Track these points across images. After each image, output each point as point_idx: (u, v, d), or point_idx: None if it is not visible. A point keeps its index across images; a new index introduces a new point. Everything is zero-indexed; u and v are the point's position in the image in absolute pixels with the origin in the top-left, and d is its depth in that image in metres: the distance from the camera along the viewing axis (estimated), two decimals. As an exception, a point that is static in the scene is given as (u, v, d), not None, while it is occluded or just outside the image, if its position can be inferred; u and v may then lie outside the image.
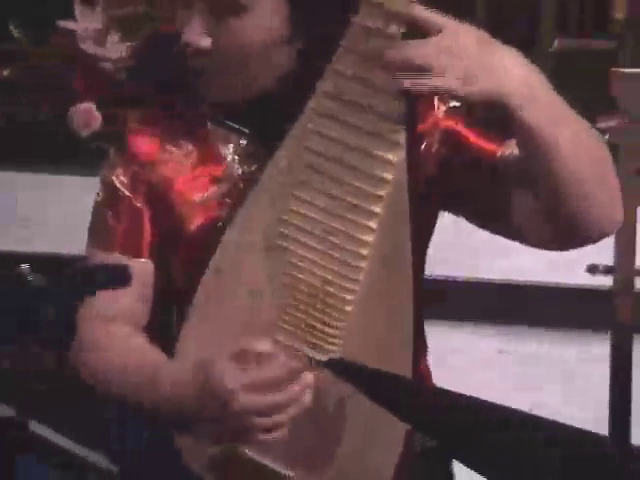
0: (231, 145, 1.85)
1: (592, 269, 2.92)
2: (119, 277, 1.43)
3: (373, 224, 1.70)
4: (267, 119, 1.81)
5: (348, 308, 1.73)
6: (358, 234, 1.71)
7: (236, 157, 1.86)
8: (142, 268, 1.84)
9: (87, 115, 3.12)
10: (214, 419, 1.69)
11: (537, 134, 1.61)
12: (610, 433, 2.66)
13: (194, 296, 1.77)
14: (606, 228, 1.72)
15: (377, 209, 1.69)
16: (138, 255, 1.85)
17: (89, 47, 3.16)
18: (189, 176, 1.86)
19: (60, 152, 3.22)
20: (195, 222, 1.84)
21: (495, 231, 1.84)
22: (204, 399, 1.66)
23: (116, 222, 1.87)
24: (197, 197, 1.85)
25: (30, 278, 1.37)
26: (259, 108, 1.79)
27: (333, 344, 1.73)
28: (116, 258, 1.84)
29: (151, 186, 1.86)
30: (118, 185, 1.86)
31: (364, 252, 1.71)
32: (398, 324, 1.77)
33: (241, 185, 1.83)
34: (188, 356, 1.75)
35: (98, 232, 1.88)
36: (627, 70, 2.86)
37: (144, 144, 1.87)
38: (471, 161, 1.76)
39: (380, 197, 1.69)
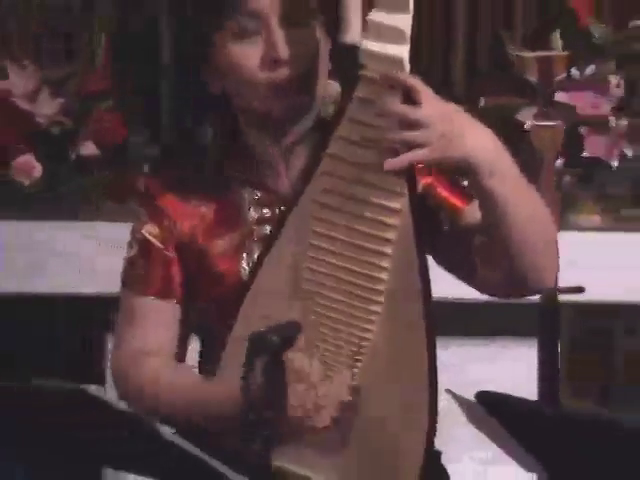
0: (246, 196, 1.93)
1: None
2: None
3: (385, 264, 1.78)
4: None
5: (367, 342, 1.81)
6: (374, 273, 1.79)
7: (251, 206, 1.94)
8: (174, 308, 1.96)
9: (25, 166, 3.24)
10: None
11: (498, 200, 1.72)
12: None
13: (234, 327, 1.86)
14: (540, 283, 1.83)
15: (388, 250, 1.78)
16: (171, 298, 1.95)
17: (23, 103, 3.20)
18: (210, 226, 1.95)
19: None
20: (219, 267, 1.93)
21: (458, 276, 1.93)
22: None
23: (150, 270, 1.96)
24: (218, 245, 1.94)
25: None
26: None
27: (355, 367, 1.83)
28: (151, 301, 1.94)
29: (178, 237, 1.96)
30: (149, 238, 1.96)
31: (380, 287, 1.79)
32: (413, 351, 1.83)
33: (255, 230, 1.93)
34: (229, 378, 1.81)
35: (133, 279, 1.97)
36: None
37: (168, 202, 1.96)
38: (439, 212, 1.88)
39: (389, 240, 1.77)
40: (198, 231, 1.96)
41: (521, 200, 1.75)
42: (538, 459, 1.75)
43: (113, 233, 3.10)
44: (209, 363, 1.94)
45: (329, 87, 1.90)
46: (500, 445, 1.85)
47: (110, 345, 3.34)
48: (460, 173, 1.79)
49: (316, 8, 1.88)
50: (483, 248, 1.84)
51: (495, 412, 1.70)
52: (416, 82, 1.67)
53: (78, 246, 3.26)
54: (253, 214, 1.94)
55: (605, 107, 3.32)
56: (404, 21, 1.68)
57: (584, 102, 3.29)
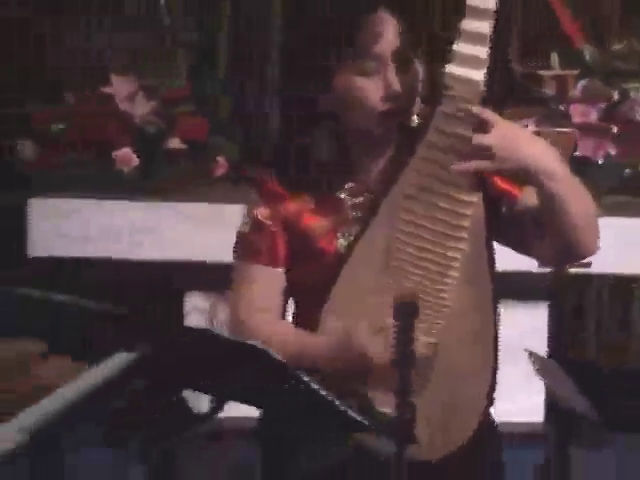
0: (342, 186, 2.08)
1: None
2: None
3: (462, 245, 1.94)
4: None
5: (445, 308, 1.95)
6: (451, 253, 1.94)
7: (346, 195, 2.08)
8: (279, 275, 2.10)
9: (125, 157, 3.56)
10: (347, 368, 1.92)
11: (556, 197, 1.88)
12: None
13: (332, 292, 2.00)
14: (587, 254, 1.98)
15: (464, 235, 1.93)
16: (277, 266, 2.10)
17: (123, 105, 3.55)
18: (312, 210, 2.09)
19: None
20: (319, 244, 2.08)
21: (519, 251, 2.07)
22: (343, 357, 1.92)
23: (260, 244, 2.10)
24: (319, 226, 2.08)
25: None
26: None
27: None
28: (261, 268, 2.09)
29: (285, 218, 2.10)
30: (260, 218, 2.10)
31: (455, 265, 1.94)
32: (481, 315, 1.98)
33: (349, 214, 2.06)
34: (330, 331, 1.98)
35: (246, 251, 2.11)
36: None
37: (277, 189, 2.10)
38: (499, 200, 2.01)
39: (464, 227, 1.92)
40: (302, 214, 2.09)
41: (572, 192, 1.91)
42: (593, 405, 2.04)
43: (194, 211, 3.54)
44: (301, 323, 2.08)
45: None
46: (564, 395, 2.11)
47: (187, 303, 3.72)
48: (523, 179, 1.94)
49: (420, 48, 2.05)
50: (539, 229, 1.98)
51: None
52: (487, 114, 1.87)
53: (166, 222, 3.53)
54: (348, 201, 2.09)
55: (593, 115, 3.60)
56: (482, 51, 1.86)
57: (577, 111, 3.55)
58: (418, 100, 2.07)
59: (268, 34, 3.92)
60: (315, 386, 1.59)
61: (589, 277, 3.71)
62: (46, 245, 3.50)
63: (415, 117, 2.07)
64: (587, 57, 3.76)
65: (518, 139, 1.90)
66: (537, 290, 3.47)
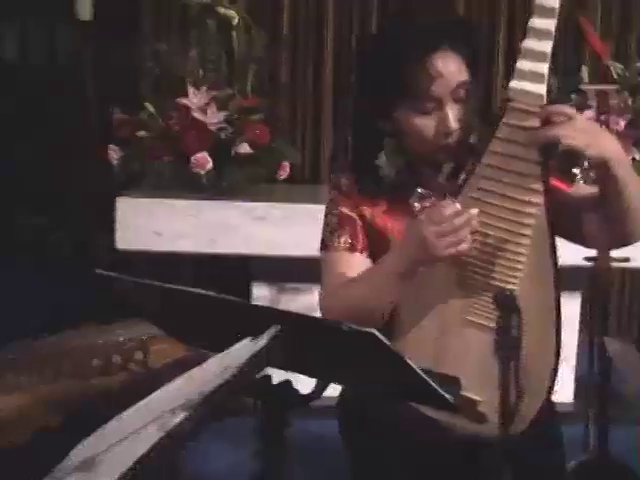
0: (412, 192, 2.12)
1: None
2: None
3: (527, 231, 2.00)
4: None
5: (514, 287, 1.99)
6: (519, 240, 2.01)
7: (415, 200, 2.13)
8: (363, 259, 2.18)
9: (202, 160, 3.79)
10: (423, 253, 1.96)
11: (620, 182, 1.97)
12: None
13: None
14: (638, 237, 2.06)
15: (530, 221, 2.00)
16: (359, 252, 2.18)
17: (197, 115, 3.79)
18: (387, 212, 2.18)
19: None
20: (393, 242, 2.16)
21: (573, 241, 2.16)
22: (414, 245, 1.95)
23: (345, 234, 2.19)
24: (392, 225, 2.18)
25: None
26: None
27: None
28: (346, 255, 2.17)
29: (362, 217, 2.20)
30: (344, 211, 2.20)
31: (522, 259, 2.01)
32: (545, 297, 2.02)
33: (419, 216, 2.08)
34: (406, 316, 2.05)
35: (334, 241, 2.19)
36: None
37: (355, 192, 2.21)
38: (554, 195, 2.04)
39: (532, 214, 1.99)
40: (377, 216, 2.19)
41: (632, 178, 2.01)
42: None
43: (261, 209, 3.77)
44: None
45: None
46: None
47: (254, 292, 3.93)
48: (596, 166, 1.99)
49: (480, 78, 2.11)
50: (592, 217, 2.08)
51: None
52: (567, 109, 1.96)
53: (236, 219, 3.75)
54: (417, 205, 2.14)
55: (622, 124, 3.82)
56: (543, 67, 1.94)
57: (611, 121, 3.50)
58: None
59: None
60: (415, 366, 1.62)
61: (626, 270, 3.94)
62: (131, 239, 3.75)
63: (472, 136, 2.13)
64: (614, 72, 3.93)
65: (596, 129, 2.01)
66: (570, 281, 3.56)
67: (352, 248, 2.19)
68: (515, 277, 2.02)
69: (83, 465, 1.27)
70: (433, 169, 2.15)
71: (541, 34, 1.95)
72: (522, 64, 1.96)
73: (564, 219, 2.08)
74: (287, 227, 3.77)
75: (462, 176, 2.11)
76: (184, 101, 3.83)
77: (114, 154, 3.85)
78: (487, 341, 1.91)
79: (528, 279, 2.02)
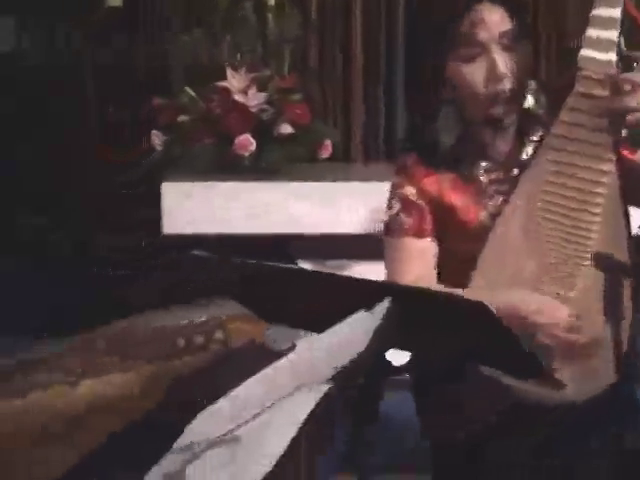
0: (478, 165, 2.16)
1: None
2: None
3: (599, 200, 2.02)
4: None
5: (584, 265, 2.02)
6: (591, 208, 2.03)
7: (482, 173, 2.16)
8: (430, 245, 2.19)
9: (245, 142, 3.78)
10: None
11: None
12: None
13: (482, 255, 2.08)
14: None
15: (601, 190, 2.02)
16: (426, 237, 2.19)
17: (238, 97, 3.78)
18: (454, 188, 2.18)
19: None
20: (463, 217, 2.17)
21: None
22: (507, 314, 1.77)
23: (410, 218, 2.19)
24: (461, 201, 2.19)
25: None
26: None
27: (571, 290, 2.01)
28: (412, 241, 2.17)
29: (429, 196, 2.19)
30: (408, 195, 2.20)
31: (595, 227, 2.02)
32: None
33: (487, 189, 2.14)
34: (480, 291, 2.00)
35: (398, 227, 2.20)
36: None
37: (420, 170, 2.20)
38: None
39: (602, 183, 2.01)
40: (444, 191, 2.20)
41: None
42: None
43: (303, 189, 3.78)
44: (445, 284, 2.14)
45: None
46: None
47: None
48: None
49: (526, 32, 2.13)
50: None
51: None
52: (636, 79, 1.97)
53: (280, 199, 3.76)
54: (484, 178, 2.18)
55: None
56: (613, 35, 1.98)
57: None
58: (532, 83, 2.15)
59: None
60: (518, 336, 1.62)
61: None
62: (177, 224, 3.75)
63: (530, 99, 2.16)
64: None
65: None
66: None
67: (418, 234, 2.19)
68: (588, 246, 2.03)
69: (221, 440, 1.27)
70: (492, 135, 2.14)
71: (610, 1, 1.98)
72: (591, 32, 1.99)
73: (633, 186, 2.08)
74: (329, 206, 3.77)
75: (529, 148, 2.13)
76: (224, 84, 3.82)
77: (157, 139, 3.82)
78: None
79: (602, 248, 2.03)
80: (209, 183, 3.77)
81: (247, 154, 3.78)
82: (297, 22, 4.02)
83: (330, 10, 4.36)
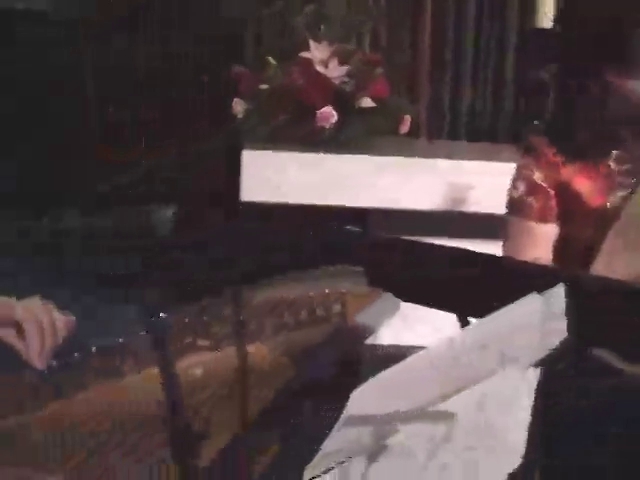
0: (611, 156, 2.16)
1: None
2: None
3: None
4: None
5: None
6: None
7: (613, 163, 2.18)
8: (551, 230, 2.20)
9: (327, 114, 3.75)
10: None
11: None
12: None
13: (606, 241, 2.10)
14: None
15: None
16: (549, 222, 2.20)
17: (320, 69, 3.76)
18: (584, 174, 2.19)
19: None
20: (591, 204, 2.18)
21: None
22: None
23: (535, 201, 2.21)
24: (590, 188, 2.19)
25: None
26: None
27: None
28: (536, 225, 2.19)
29: (558, 181, 2.20)
30: (537, 180, 2.21)
31: None
32: None
33: (617, 179, 2.16)
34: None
35: (522, 210, 2.22)
36: None
37: (551, 157, 2.21)
38: None
39: None
40: (572, 178, 2.21)
41: None
42: None
43: (383, 161, 3.78)
44: None
45: None
46: None
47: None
48: None
49: None
50: None
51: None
52: None
53: (360, 171, 3.74)
54: (614, 167, 2.20)
55: None
56: None
57: None
58: None
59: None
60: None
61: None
62: (255, 191, 3.71)
63: None
64: None
65: None
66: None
67: (542, 218, 2.20)
68: None
69: (426, 414, 1.23)
70: (630, 133, 2.16)
71: None
72: None
73: None
74: (407, 179, 3.73)
75: None
76: (306, 55, 3.78)
77: (239, 107, 3.78)
78: None
79: None
80: (290, 153, 3.74)
81: (328, 126, 3.75)
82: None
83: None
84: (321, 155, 3.75)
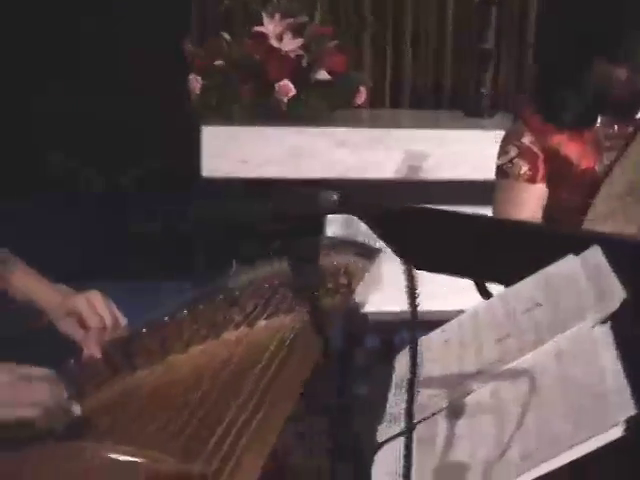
0: (602, 130, 2.19)
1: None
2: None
3: None
4: None
5: None
6: None
7: (604, 138, 2.20)
8: (541, 190, 2.25)
9: (285, 88, 3.69)
10: None
11: None
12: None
13: (595, 202, 2.14)
14: None
15: None
16: (538, 183, 2.26)
17: (274, 42, 3.70)
18: (573, 144, 2.22)
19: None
20: (580, 168, 2.22)
21: None
22: None
23: (525, 164, 2.26)
24: (578, 154, 2.23)
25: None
26: None
27: None
28: (525, 185, 2.24)
29: (546, 147, 2.25)
30: (527, 143, 2.27)
31: None
32: None
33: (605, 152, 2.19)
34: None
35: (513, 171, 2.27)
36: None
37: (539, 123, 2.27)
38: None
39: None
40: (561, 142, 2.27)
41: None
42: None
43: (341, 134, 3.74)
44: None
45: None
46: None
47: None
48: None
49: None
50: None
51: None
52: None
53: (319, 143, 3.70)
54: (601, 132, 2.25)
55: None
56: None
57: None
58: None
59: None
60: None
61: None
62: (216, 167, 3.66)
63: None
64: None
65: None
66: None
67: (531, 179, 2.25)
68: None
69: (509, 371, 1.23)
70: (623, 110, 2.19)
71: None
72: None
73: None
74: (365, 150, 3.72)
75: None
76: (260, 29, 3.72)
77: (196, 83, 3.72)
78: None
79: None
80: (250, 128, 3.68)
81: (286, 100, 3.69)
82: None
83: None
84: (282, 129, 3.70)
